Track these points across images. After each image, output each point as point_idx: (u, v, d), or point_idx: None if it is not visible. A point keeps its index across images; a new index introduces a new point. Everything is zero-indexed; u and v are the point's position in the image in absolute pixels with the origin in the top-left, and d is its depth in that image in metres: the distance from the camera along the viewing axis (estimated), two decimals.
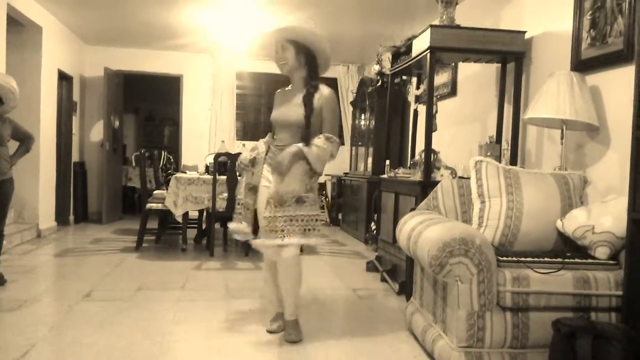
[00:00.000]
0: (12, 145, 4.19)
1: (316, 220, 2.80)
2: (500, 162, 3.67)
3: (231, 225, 3.01)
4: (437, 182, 3.25)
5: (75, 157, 7.66)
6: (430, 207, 2.96)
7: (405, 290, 3.74)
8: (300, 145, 2.76)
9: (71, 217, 7.47)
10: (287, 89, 3.01)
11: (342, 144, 2.74)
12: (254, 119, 9.00)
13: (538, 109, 3.08)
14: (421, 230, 2.51)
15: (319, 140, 2.78)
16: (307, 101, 2.78)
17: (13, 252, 5.15)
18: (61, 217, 7.02)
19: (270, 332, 3.01)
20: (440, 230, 2.36)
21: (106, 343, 2.80)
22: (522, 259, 2.40)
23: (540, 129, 3.70)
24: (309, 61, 2.84)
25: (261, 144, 3.00)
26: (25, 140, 4.29)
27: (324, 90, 2.86)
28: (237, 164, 3.01)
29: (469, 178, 2.88)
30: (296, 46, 2.81)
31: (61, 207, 7.02)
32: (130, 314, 3.34)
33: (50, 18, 6.41)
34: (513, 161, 3.81)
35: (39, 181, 6.15)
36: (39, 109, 6.07)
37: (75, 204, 7.59)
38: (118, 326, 3.08)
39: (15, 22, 5.64)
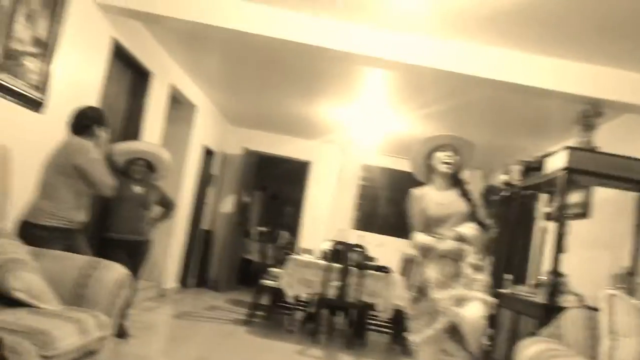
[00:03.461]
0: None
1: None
2: (633, 295, 3.41)
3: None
4: (562, 308, 3.10)
5: (205, 225, 8.24)
6: (553, 335, 2.81)
7: None
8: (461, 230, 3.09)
9: (192, 281, 7.92)
10: (425, 189, 3.28)
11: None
12: (371, 210, 9.15)
13: None
14: None
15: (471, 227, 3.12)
16: (468, 195, 3.18)
17: (138, 307, 5.54)
18: (183, 280, 7.47)
19: None
20: None
21: None
22: None
23: None
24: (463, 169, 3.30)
25: (429, 240, 3.17)
26: (169, 208, 4.72)
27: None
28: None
29: (597, 309, 2.71)
30: (459, 153, 3.24)
31: (184, 270, 7.49)
32: None
33: (204, 99, 7.16)
34: None
35: (169, 244, 6.65)
36: (181, 179, 6.67)
37: (197, 269, 8.06)
38: None
39: (175, 99, 6.37)
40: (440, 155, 3.21)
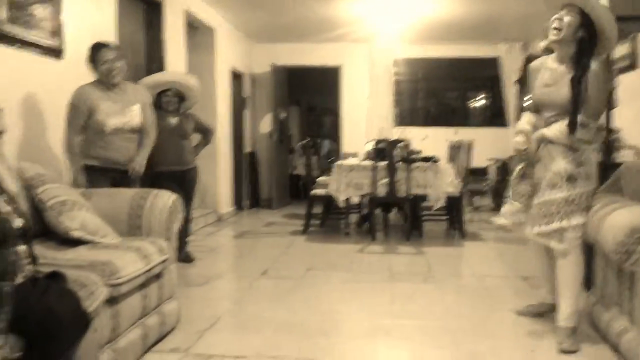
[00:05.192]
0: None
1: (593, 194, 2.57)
2: None
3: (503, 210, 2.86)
4: (619, 164, 2.97)
5: (247, 148, 8.31)
6: (612, 191, 2.71)
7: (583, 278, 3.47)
8: (543, 130, 2.62)
9: (246, 203, 8.12)
10: (548, 62, 2.70)
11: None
12: (410, 105, 8.98)
13: None
14: (604, 214, 2.32)
15: (559, 125, 2.54)
16: (575, 84, 2.48)
17: (198, 233, 5.74)
18: (237, 203, 7.66)
19: (520, 313, 3.02)
20: (628, 215, 2.16)
21: (283, 318, 3.02)
22: None
23: None
24: (585, 38, 2.48)
25: (524, 125, 2.74)
26: (207, 134, 4.74)
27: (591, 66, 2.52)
28: (514, 149, 2.78)
29: None
30: (580, 17, 2.48)
31: (237, 194, 7.66)
32: (302, 291, 3.56)
33: (221, 20, 6.95)
34: None
35: (217, 170, 6.76)
36: (215, 105, 6.64)
37: (248, 190, 8.23)
38: (292, 303, 3.31)
39: (191, 25, 6.20)
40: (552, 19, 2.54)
